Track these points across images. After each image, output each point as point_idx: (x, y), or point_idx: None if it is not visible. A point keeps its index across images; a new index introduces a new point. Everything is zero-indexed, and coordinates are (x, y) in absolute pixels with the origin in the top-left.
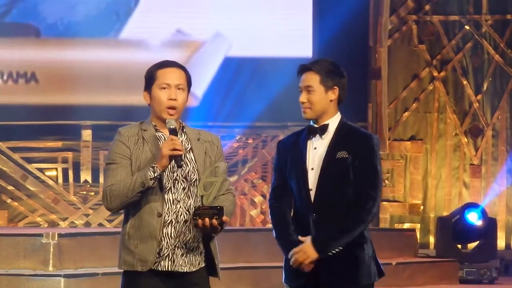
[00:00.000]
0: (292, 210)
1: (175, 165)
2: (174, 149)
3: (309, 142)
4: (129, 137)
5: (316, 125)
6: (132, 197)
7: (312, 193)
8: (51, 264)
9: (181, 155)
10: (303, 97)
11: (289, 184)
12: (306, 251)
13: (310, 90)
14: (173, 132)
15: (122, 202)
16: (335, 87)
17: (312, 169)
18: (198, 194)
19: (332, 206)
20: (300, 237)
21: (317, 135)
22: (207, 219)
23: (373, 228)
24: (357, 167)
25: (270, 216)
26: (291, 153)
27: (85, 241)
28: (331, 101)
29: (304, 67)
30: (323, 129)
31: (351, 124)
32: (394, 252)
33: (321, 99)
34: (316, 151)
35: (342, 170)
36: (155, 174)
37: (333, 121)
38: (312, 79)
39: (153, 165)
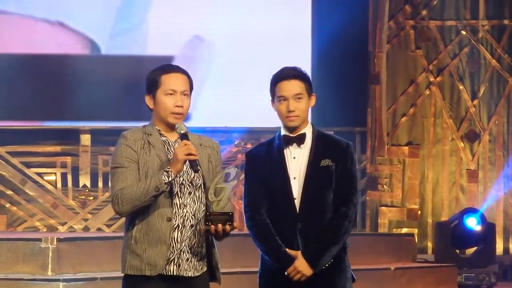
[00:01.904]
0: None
1: (184, 169)
2: (189, 154)
3: (286, 152)
4: (135, 141)
5: (291, 134)
6: (145, 201)
7: (297, 202)
8: (50, 268)
9: (196, 160)
10: (292, 106)
11: (266, 195)
12: (300, 269)
13: (300, 98)
14: (184, 137)
15: (134, 206)
16: (313, 93)
17: (295, 178)
18: (203, 199)
19: (317, 214)
20: (288, 250)
21: (294, 144)
22: (220, 225)
23: (371, 233)
24: (339, 174)
25: (250, 229)
26: (267, 164)
27: (84, 245)
28: (310, 108)
29: (291, 75)
30: (301, 139)
31: (323, 131)
32: (393, 257)
33: (307, 107)
34: (297, 160)
35: (326, 177)
36: (169, 179)
37: (308, 130)
38: (300, 87)
39: (167, 169)
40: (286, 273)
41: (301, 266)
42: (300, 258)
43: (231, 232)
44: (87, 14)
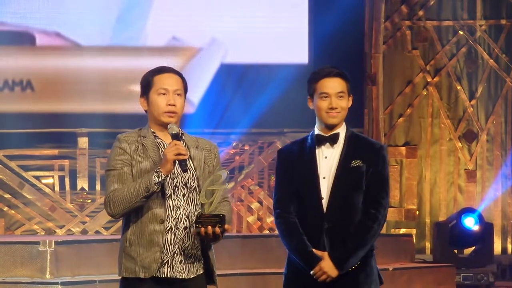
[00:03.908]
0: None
1: (175, 171)
2: (179, 154)
3: (318, 151)
4: (129, 144)
5: (324, 134)
6: (136, 203)
7: (324, 202)
8: (48, 271)
9: (185, 160)
10: (334, 103)
11: (295, 194)
12: (326, 270)
13: (342, 96)
14: (175, 137)
15: (125, 207)
16: (351, 94)
17: (324, 178)
18: (197, 201)
19: (344, 215)
20: (314, 250)
21: (327, 144)
22: (209, 227)
23: None
24: (370, 176)
25: (278, 227)
26: (298, 163)
27: (82, 248)
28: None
29: (334, 72)
30: (334, 138)
31: (358, 133)
32: (391, 258)
33: (347, 106)
34: (328, 160)
35: (355, 178)
36: (160, 179)
37: (342, 130)
38: (342, 85)
39: (157, 169)
40: (311, 272)
41: (327, 267)
42: (326, 259)
43: (229, 234)
44: (85, 24)
